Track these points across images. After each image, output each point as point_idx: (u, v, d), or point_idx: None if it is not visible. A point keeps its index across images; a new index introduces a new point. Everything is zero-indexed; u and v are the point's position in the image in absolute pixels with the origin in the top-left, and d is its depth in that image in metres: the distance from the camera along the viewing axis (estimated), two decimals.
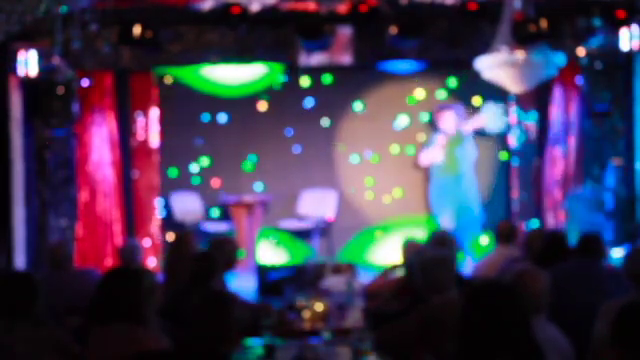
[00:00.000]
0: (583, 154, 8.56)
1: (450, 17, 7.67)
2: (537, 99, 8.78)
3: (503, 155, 9.15)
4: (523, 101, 8.81)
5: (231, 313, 2.95)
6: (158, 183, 9.04)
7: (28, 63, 7.42)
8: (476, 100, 9.08)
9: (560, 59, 7.37)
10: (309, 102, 9.27)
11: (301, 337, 4.21)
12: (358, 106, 9.27)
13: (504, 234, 6.04)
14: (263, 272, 5.97)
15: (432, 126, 9.12)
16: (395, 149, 9.26)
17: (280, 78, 9.14)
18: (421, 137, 9.19)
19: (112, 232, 8.69)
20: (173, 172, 9.21)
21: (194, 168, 9.27)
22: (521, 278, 3.45)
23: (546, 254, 4.93)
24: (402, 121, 9.24)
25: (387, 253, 8.72)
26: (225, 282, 5.15)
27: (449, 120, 8.92)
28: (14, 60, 7.41)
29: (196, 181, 9.23)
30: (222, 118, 9.25)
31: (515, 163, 9.00)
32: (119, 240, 8.56)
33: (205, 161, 9.28)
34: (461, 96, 9.12)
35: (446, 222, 8.69)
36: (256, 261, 8.09)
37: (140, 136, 8.99)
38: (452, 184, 8.82)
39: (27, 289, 3.59)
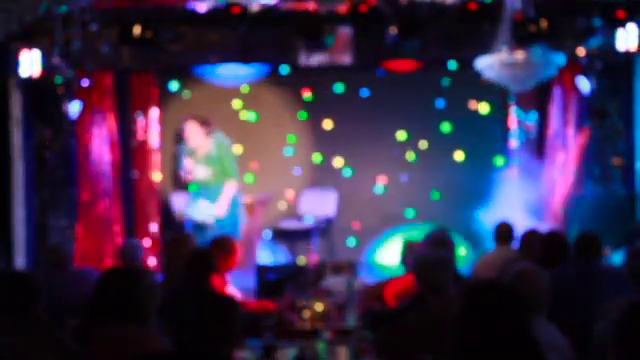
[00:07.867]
0: (583, 154, 8.55)
1: (450, 17, 7.67)
2: (537, 99, 8.77)
3: (498, 160, 9.12)
4: (523, 101, 8.80)
5: (232, 314, 2.95)
6: (158, 183, 9.03)
7: (28, 63, 7.42)
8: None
9: (560, 59, 7.37)
10: None
11: (301, 337, 4.22)
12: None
13: (503, 234, 6.04)
14: (263, 272, 5.98)
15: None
16: None
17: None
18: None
19: (112, 232, 8.69)
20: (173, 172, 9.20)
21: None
22: (521, 278, 3.46)
23: (545, 254, 4.94)
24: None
25: (388, 253, 8.72)
26: (225, 282, 5.16)
27: (192, 132, 7.73)
28: (14, 60, 7.41)
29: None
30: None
31: (515, 163, 8.99)
32: (119, 240, 8.55)
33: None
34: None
35: None
36: (256, 261, 8.08)
37: (140, 136, 8.98)
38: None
39: (27, 289, 3.59)
